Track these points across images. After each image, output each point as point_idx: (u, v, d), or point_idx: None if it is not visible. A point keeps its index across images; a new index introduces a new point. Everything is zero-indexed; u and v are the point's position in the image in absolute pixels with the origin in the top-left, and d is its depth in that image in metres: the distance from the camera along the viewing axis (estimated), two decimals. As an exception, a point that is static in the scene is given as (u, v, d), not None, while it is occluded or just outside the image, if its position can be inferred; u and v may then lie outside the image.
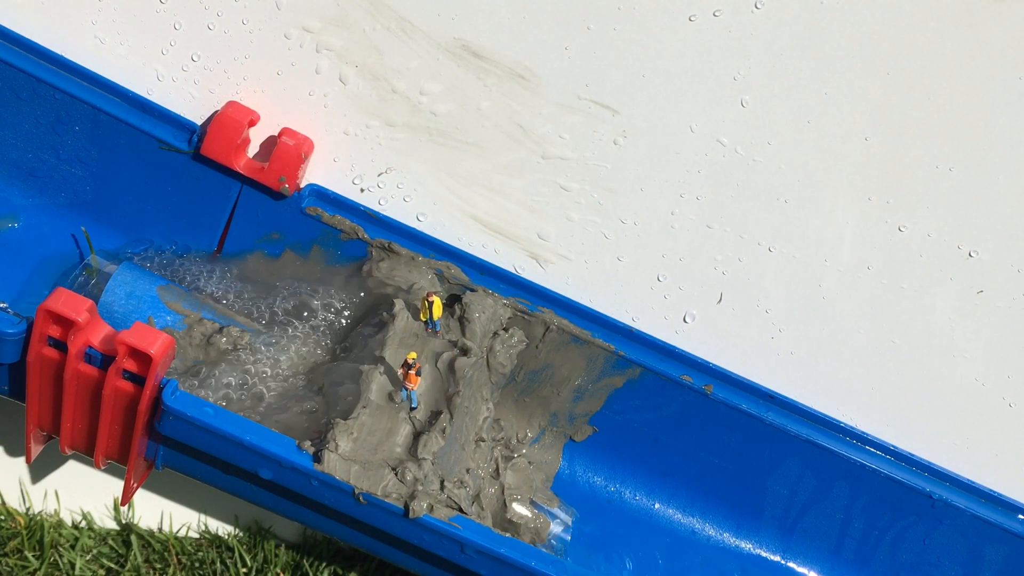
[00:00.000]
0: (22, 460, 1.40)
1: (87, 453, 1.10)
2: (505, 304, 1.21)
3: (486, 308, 1.19)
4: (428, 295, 1.15)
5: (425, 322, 1.16)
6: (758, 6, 1.10)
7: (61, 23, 1.14)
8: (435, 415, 1.12)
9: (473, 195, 1.21)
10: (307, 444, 1.05)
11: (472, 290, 1.20)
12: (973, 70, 1.11)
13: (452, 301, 1.21)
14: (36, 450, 1.13)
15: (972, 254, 1.20)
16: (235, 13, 1.13)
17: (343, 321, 1.22)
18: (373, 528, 1.08)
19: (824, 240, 1.20)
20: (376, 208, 1.21)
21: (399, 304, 1.17)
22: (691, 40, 1.12)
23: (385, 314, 1.17)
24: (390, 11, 1.12)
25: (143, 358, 0.99)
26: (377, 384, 1.11)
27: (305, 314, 1.21)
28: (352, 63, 1.15)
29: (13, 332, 1.01)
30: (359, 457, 1.05)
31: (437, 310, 1.15)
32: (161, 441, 1.09)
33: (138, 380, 1.01)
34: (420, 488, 1.06)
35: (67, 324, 0.99)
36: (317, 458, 1.04)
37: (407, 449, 1.09)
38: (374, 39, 1.14)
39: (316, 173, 1.20)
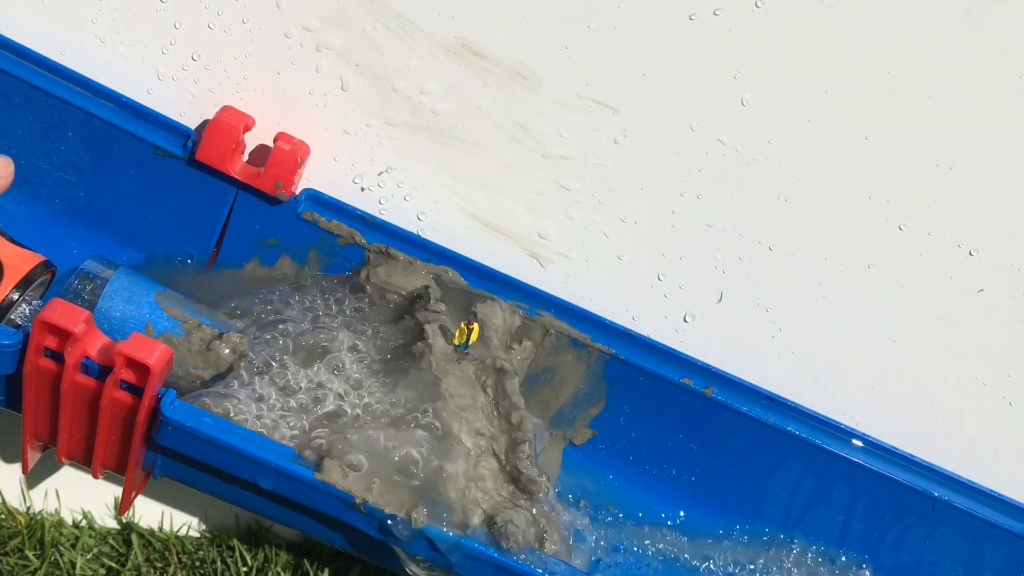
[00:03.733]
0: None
1: (84, 463, 1.10)
2: (513, 312, 1.20)
3: (499, 319, 1.19)
4: (470, 322, 1.15)
5: (457, 345, 1.16)
6: (758, 5, 1.09)
7: (62, 23, 1.14)
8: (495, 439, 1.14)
9: (473, 194, 1.21)
10: (308, 453, 1.05)
11: (480, 299, 1.20)
12: (974, 69, 1.11)
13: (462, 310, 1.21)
14: (33, 459, 1.12)
15: (972, 253, 1.19)
16: (235, 12, 1.13)
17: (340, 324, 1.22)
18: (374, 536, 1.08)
19: (824, 239, 1.20)
20: (376, 207, 1.21)
21: (431, 329, 1.16)
22: (691, 39, 1.11)
23: (419, 344, 1.15)
24: (390, 10, 1.12)
25: (141, 369, 0.99)
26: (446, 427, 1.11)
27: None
28: (352, 62, 1.15)
29: (9, 344, 1.01)
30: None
31: (475, 335, 1.15)
32: (159, 451, 1.09)
33: (136, 391, 1.01)
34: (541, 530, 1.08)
35: (64, 335, 0.98)
36: (318, 467, 1.04)
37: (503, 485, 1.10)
38: (374, 38, 1.13)
39: (316, 172, 1.19)
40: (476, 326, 1.15)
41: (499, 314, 1.19)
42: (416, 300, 1.18)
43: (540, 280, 1.23)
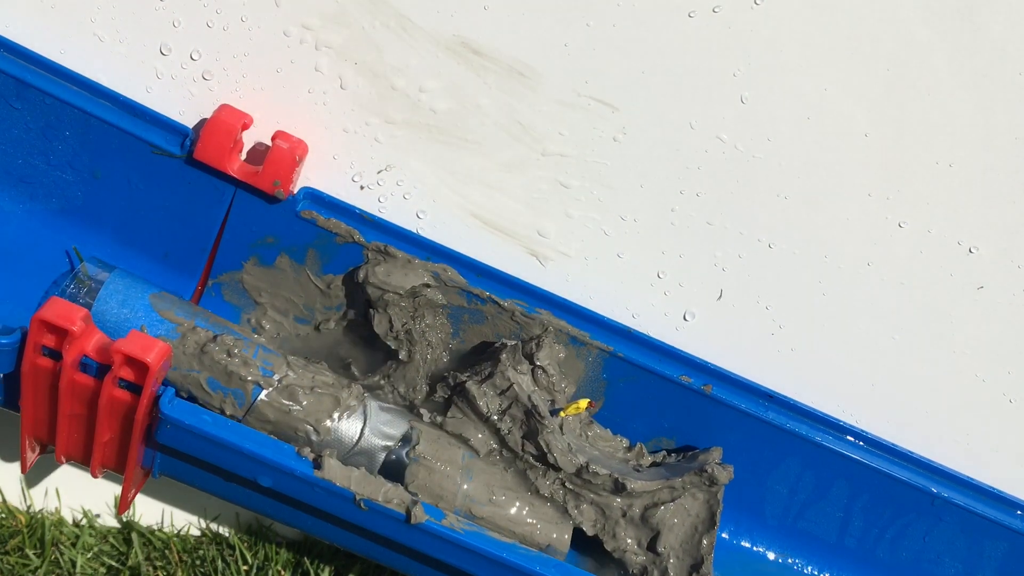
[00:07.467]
0: (23, 458, 1.40)
1: (83, 462, 1.10)
2: (561, 343, 1.21)
3: (555, 358, 1.20)
4: (591, 403, 1.19)
5: (558, 410, 1.19)
6: (757, 2, 1.09)
7: (61, 23, 1.14)
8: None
9: (473, 192, 1.21)
10: (307, 451, 1.05)
11: (494, 303, 1.20)
12: (973, 66, 1.11)
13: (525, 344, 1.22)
14: (32, 458, 1.12)
15: (972, 250, 1.20)
16: (234, 11, 1.13)
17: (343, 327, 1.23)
18: (374, 534, 1.08)
19: (824, 236, 1.20)
20: (375, 205, 1.21)
21: (517, 375, 1.18)
22: (690, 36, 1.11)
23: (515, 388, 1.17)
24: (389, 8, 1.12)
25: (139, 367, 0.99)
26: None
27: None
28: (351, 60, 1.15)
29: (6, 342, 1.01)
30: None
31: (583, 408, 1.19)
32: (158, 449, 1.09)
33: (134, 389, 1.01)
34: None
35: (62, 333, 0.98)
36: (317, 465, 1.04)
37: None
38: (373, 36, 1.13)
39: (315, 171, 1.19)
40: (586, 403, 1.18)
41: (556, 351, 1.20)
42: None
43: (539, 278, 1.23)
